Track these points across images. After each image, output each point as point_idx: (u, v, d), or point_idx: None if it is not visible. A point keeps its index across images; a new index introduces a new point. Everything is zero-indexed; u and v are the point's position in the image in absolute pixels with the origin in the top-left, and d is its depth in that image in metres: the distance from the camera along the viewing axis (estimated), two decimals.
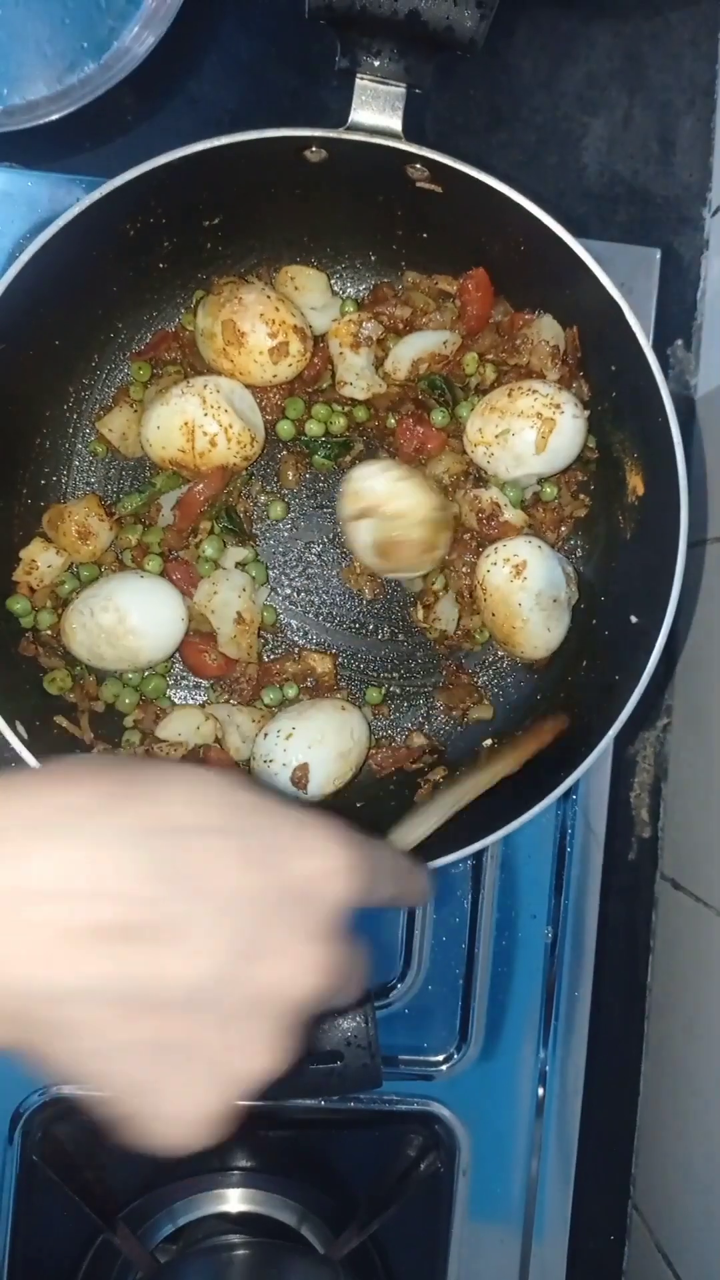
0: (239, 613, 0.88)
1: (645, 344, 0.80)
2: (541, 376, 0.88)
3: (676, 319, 1.01)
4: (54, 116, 0.87)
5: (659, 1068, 1.01)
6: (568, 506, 0.91)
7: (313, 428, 0.91)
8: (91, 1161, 0.92)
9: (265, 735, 0.86)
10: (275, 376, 0.88)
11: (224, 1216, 0.92)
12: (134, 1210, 0.92)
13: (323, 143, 0.79)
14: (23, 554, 0.87)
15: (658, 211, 1.00)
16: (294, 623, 0.93)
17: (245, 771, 0.88)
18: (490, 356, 0.91)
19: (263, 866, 0.48)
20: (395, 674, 0.94)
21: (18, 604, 0.87)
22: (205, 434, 0.85)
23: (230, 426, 0.85)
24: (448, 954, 0.97)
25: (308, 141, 0.79)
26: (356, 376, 0.90)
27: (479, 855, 0.95)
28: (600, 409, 0.88)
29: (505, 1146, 0.98)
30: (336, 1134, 0.97)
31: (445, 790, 0.82)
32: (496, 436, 0.86)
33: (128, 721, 0.89)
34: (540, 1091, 0.98)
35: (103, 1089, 0.48)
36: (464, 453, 0.90)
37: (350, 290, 0.93)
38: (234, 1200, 0.93)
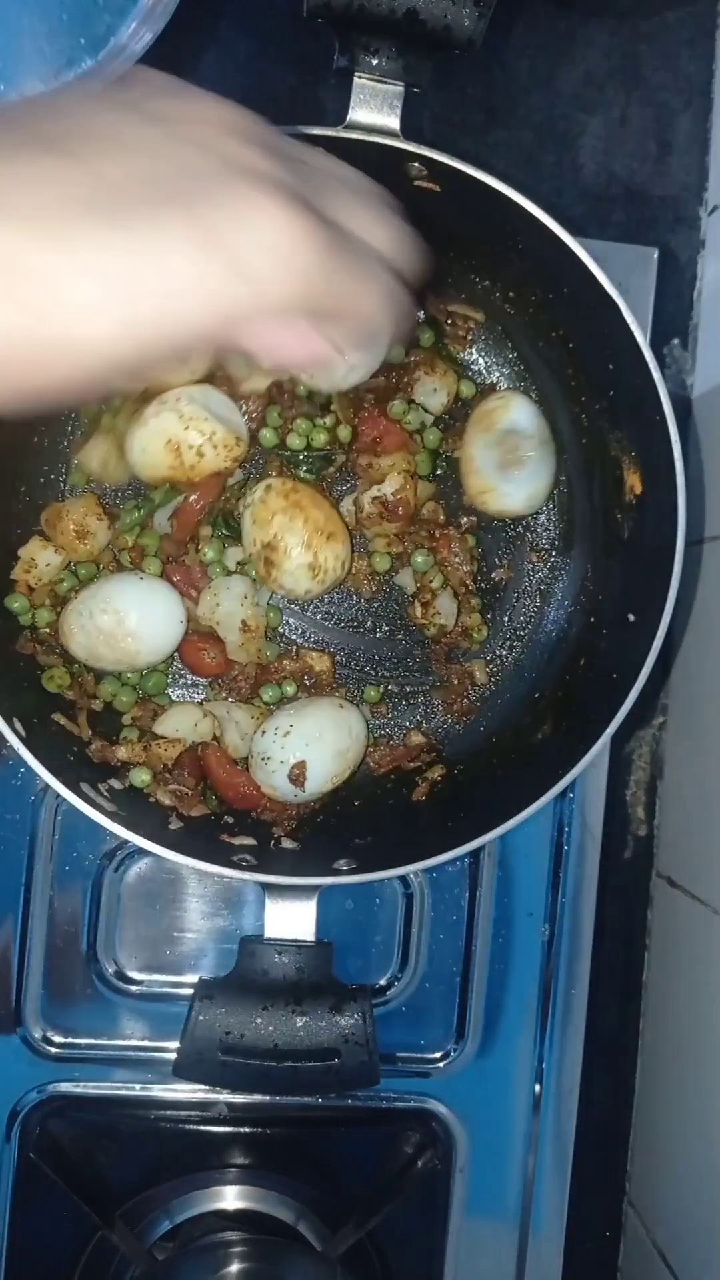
0: (244, 621, 0.88)
1: (643, 343, 0.80)
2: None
3: (673, 318, 1.01)
4: None
5: (654, 1065, 1.01)
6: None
7: (294, 441, 0.91)
8: (89, 1159, 0.92)
9: (263, 733, 0.86)
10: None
11: (221, 1214, 0.92)
12: (131, 1207, 0.92)
13: (321, 141, 0.79)
14: (21, 552, 0.87)
15: (654, 211, 1.01)
16: (292, 621, 0.94)
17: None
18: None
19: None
20: (393, 673, 0.94)
21: (15, 602, 0.87)
22: (191, 447, 0.85)
23: (213, 434, 0.85)
24: (445, 951, 0.97)
25: (306, 140, 0.79)
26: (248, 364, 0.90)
27: (476, 853, 0.96)
28: (597, 408, 0.88)
29: (502, 1143, 0.99)
30: (334, 1131, 0.97)
31: None
32: None
33: (126, 719, 0.89)
34: (537, 1088, 0.99)
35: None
36: (413, 475, 0.91)
37: None
38: (231, 1197, 0.93)
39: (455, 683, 0.93)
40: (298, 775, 0.85)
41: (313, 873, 0.80)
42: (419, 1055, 0.97)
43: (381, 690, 0.93)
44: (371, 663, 0.94)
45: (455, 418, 0.94)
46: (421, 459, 0.92)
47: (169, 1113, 0.93)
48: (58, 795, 0.79)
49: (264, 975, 0.78)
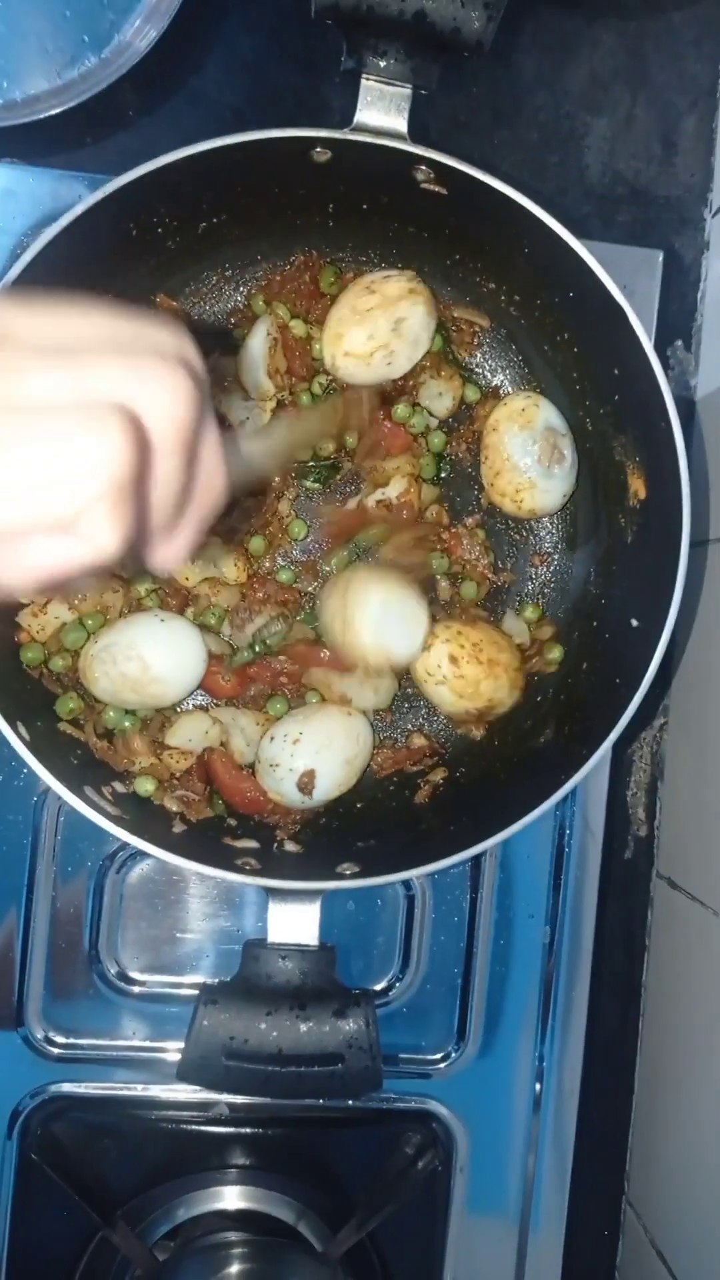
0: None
1: (648, 348, 0.79)
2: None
3: (677, 320, 1.01)
4: (55, 111, 0.86)
5: (654, 1065, 1.02)
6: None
7: (300, 452, 0.91)
8: (90, 1159, 0.93)
9: (271, 739, 0.86)
10: None
11: (222, 1214, 0.93)
12: (132, 1208, 0.92)
13: (328, 144, 0.79)
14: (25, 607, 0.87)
15: (659, 212, 1.00)
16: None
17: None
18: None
19: None
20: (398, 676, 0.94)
21: (30, 652, 0.86)
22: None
23: None
24: (446, 953, 0.97)
25: (313, 142, 0.79)
26: (246, 408, 0.91)
27: (478, 855, 0.96)
28: (602, 412, 0.88)
29: (502, 1144, 0.99)
30: (334, 1132, 0.97)
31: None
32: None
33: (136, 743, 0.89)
34: (537, 1088, 0.99)
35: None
36: (418, 478, 0.91)
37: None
38: (232, 1198, 0.93)
39: None
40: (306, 784, 0.85)
41: (316, 877, 0.80)
42: (420, 1056, 0.97)
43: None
44: None
45: (459, 421, 0.94)
46: (426, 462, 0.91)
47: (170, 1113, 0.94)
48: (60, 797, 0.78)
49: (268, 980, 0.78)
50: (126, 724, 0.88)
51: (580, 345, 0.87)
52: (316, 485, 0.92)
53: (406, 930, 0.97)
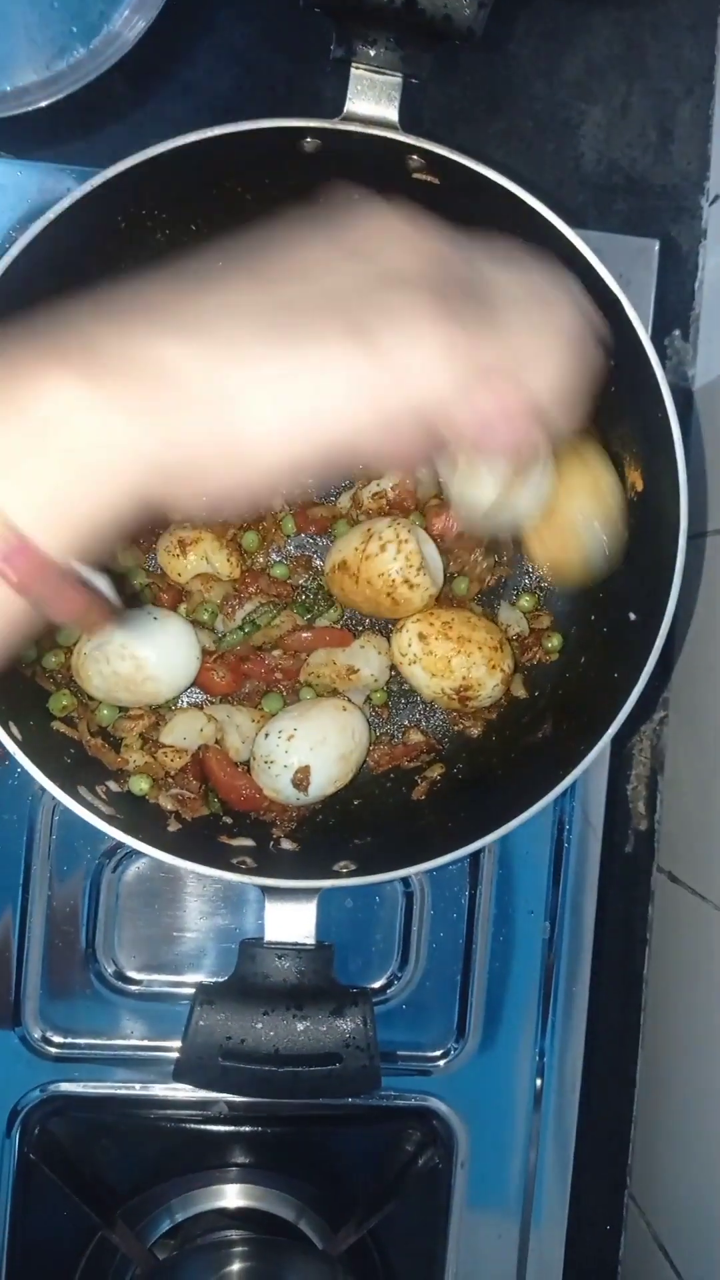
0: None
1: (645, 338, 0.79)
2: None
3: (674, 309, 1.00)
4: (43, 103, 0.85)
5: (655, 1059, 1.01)
6: None
7: None
8: (89, 1158, 0.92)
9: (266, 735, 0.86)
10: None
11: (222, 1212, 0.92)
12: (132, 1207, 0.92)
13: (318, 133, 0.78)
14: None
15: (656, 201, 0.99)
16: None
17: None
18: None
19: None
20: (394, 672, 0.93)
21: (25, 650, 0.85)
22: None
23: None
24: (445, 949, 0.97)
25: (303, 132, 0.78)
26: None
27: (477, 851, 0.95)
28: (597, 404, 0.86)
29: (503, 1139, 0.99)
30: (334, 1130, 0.97)
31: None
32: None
33: (128, 740, 0.89)
34: (538, 1084, 0.99)
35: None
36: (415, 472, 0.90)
37: None
38: (232, 1196, 0.93)
39: None
40: (301, 780, 0.84)
41: (312, 875, 0.79)
42: (419, 1053, 0.97)
43: (386, 691, 0.92)
44: None
45: None
46: None
47: (169, 1112, 0.93)
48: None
49: (264, 979, 0.77)
50: (123, 722, 0.87)
51: None
52: (309, 481, 0.91)
53: (405, 927, 0.97)
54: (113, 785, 0.84)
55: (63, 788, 0.77)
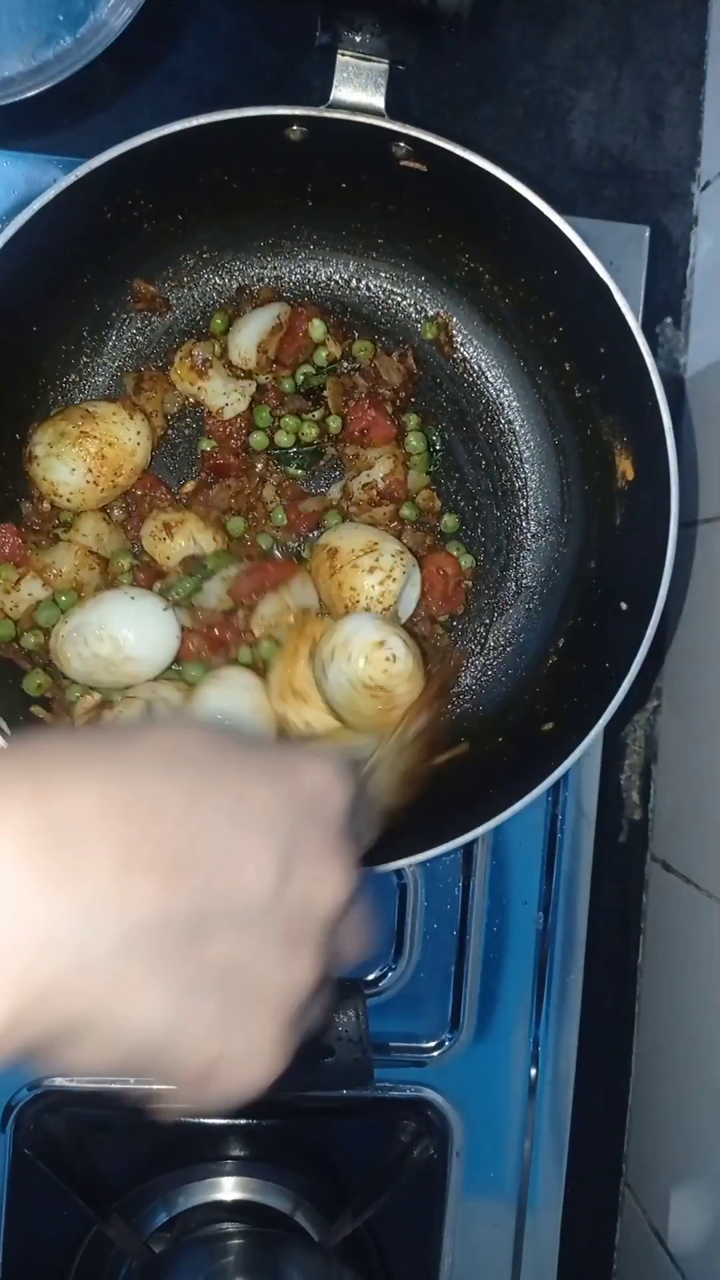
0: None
1: (635, 326, 0.78)
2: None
3: (666, 296, 0.99)
4: (29, 93, 0.84)
5: (650, 1048, 1.01)
6: None
7: (282, 439, 0.89)
8: (84, 1153, 0.92)
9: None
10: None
11: (218, 1205, 0.92)
12: (127, 1200, 0.92)
13: (303, 121, 0.77)
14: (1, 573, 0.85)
15: (646, 187, 0.99)
16: None
17: None
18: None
19: (283, 780, 0.49)
20: None
21: (3, 628, 0.85)
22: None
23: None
24: (439, 941, 0.97)
25: (288, 120, 0.77)
26: (225, 395, 0.88)
27: (470, 842, 0.95)
28: (589, 393, 0.86)
29: (498, 1129, 0.99)
30: (329, 1121, 0.97)
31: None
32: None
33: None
34: (533, 1073, 0.99)
35: (174, 1049, 0.46)
36: (405, 463, 0.90)
37: (324, 274, 0.91)
38: (228, 1188, 0.93)
39: None
40: None
41: None
42: (414, 1045, 0.97)
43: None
44: None
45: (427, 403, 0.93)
46: (416, 444, 0.90)
47: (163, 1105, 0.93)
48: None
49: None
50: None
51: (566, 324, 0.86)
52: (300, 472, 0.91)
53: (399, 919, 0.96)
54: None
55: None
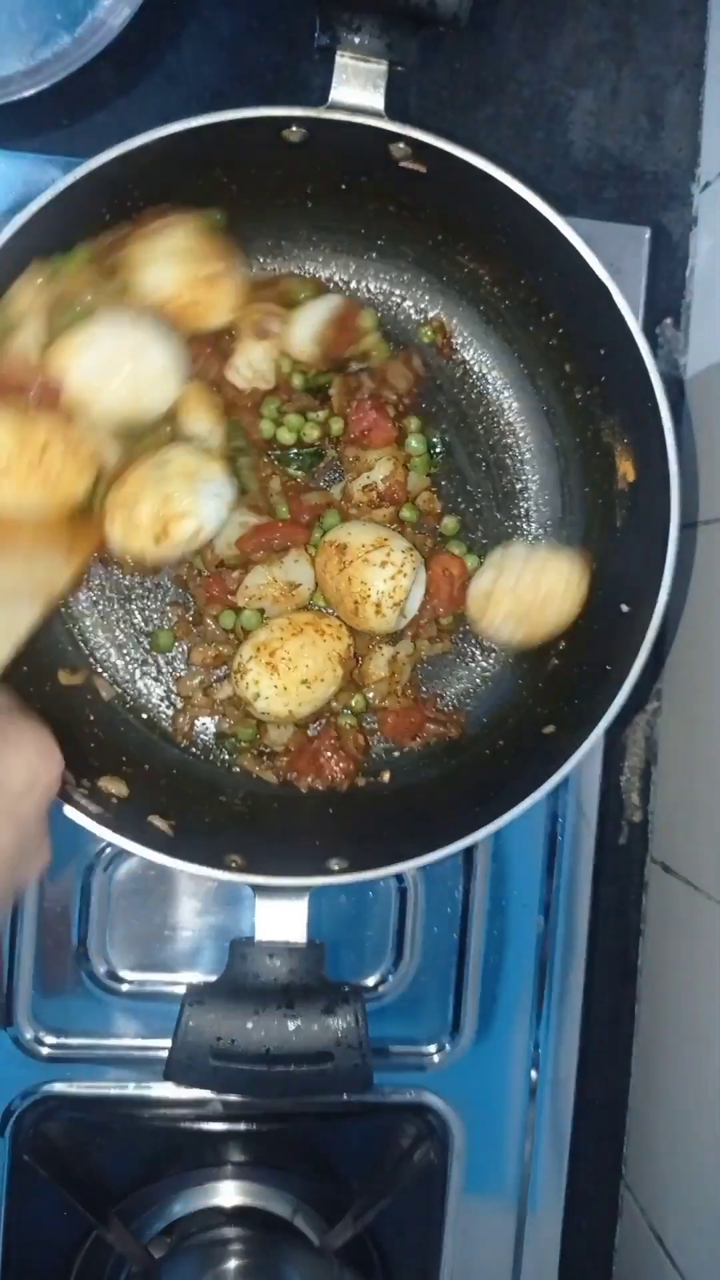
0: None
1: (635, 328, 0.78)
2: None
3: (665, 297, 0.99)
4: (28, 93, 0.85)
5: (650, 1049, 1.01)
6: None
7: (284, 435, 0.89)
8: (83, 1158, 0.92)
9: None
10: None
11: (218, 1210, 0.92)
12: (127, 1205, 0.92)
13: (302, 122, 0.77)
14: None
15: (646, 187, 0.98)
16: None
17: None
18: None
19: None
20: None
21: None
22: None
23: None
24: (439, 944, 0.97)
25: (287, 121, 0.77)
26: (248, 366, 0.87)
27: (470, 846, 0.95)
28: (589, 394, 0.86)
29: (499, 1130, 0.99)
30: (330, 1125, 0.97)
31: None
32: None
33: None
34: (533, 1075, 0.98)
35: None
36: (405, 465, 0.90)
37: (323, 275, 0.91)
38: (228, 1193, 0.93)
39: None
40: None
41: (304, 873, 0.79)
42: (414, 1048, 0.97)
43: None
44: None
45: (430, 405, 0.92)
46: (416, 446, 0.90)
47: (163, 1111, 0.93)
48: None
49: (255, 978, 0.77)
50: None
51: (566, 325, 0.86)
52: (300, 473, 0.90)
53: (399, 922, 0.96)
54: (103, 783, 0.84)
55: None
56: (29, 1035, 0.92)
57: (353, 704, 0.90)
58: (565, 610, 0.87)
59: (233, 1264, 0.87)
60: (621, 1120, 1.04)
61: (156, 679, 0.91)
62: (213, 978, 0.81)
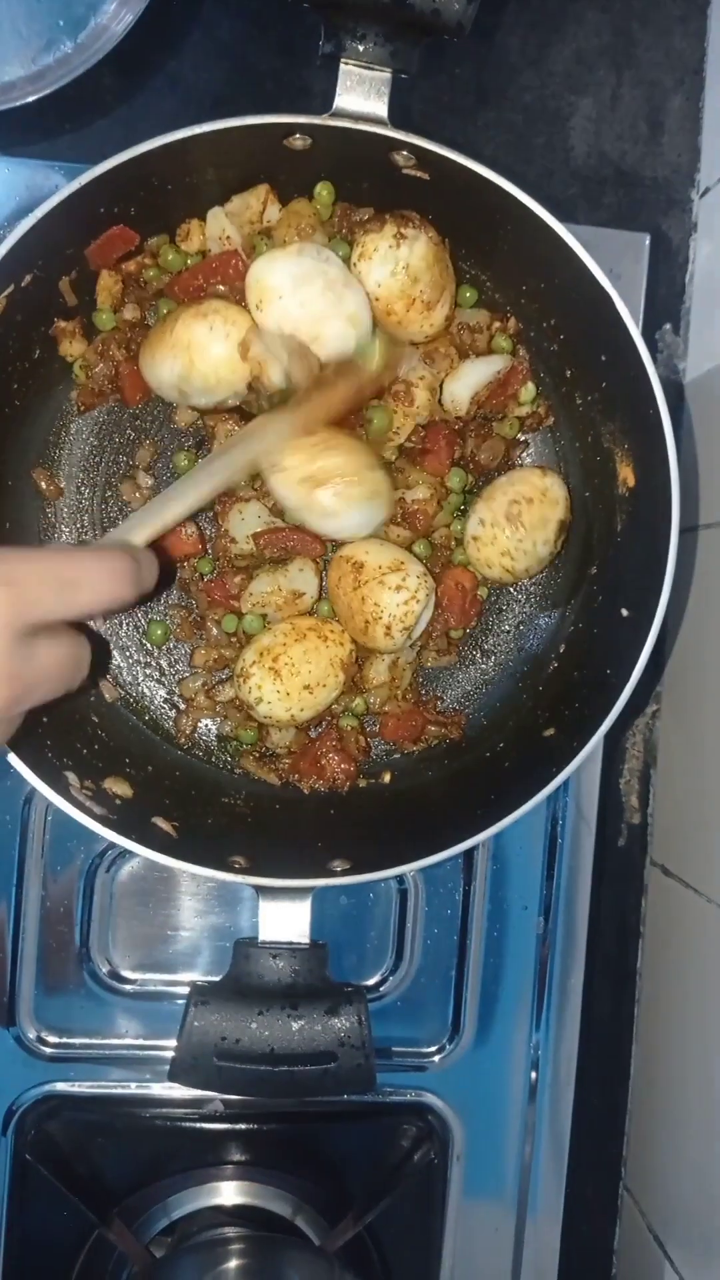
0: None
1: (635, 333, 0.78)
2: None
3: (665, 302, 0.99)
4: (31, 99, 0.85)
5: (650, 1051, 1.02)
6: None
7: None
8: (85, 1157, 0.92)
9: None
10: None
11: (219, 1209, 0.93)
12: (128, 1205, 0.92)
13: (306, 130, 0.77)
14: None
15: (646, 193, 0.99)
16: None
17: None
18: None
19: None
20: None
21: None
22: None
23: None
24: (440, 946, 0.97)
25: (291, 128, 0.77)
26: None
27: (471, 848, 0.95)
28: (590, 399, 0.87)
29: (499, 1132, 0.99)
30: (331, 1126, 0.97)
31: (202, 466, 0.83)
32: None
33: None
34: (533, 1077, 0.99)
35: None
36: (439, 501, 0.90)
37: None
38: (229, 1193, 0.93)
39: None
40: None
41: (307, 874, 0.79)
42: (415, 1049, 0.97)
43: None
44: None
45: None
46: (455, 478, 0.90)
47: (165, 1110, 0.93)
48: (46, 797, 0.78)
49: (259, 979, 0.77)
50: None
51: (567, 331, 0.86)
52: None
53: (400, 924, 0.97)
54: (107, 784, 0.84)
55: (54, 787, 0.77)
56: (31, 1035, 0.93)
57: (354, 706, 0.91)
58: (551, 516, 0.88)
59: (234, 1264, 0.87)
60: (621, 1122, 1.05)
61: (159, 681, 0.91)
62: (214, 978, 0.81)
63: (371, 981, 0.97)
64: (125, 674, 0.91)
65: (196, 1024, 0.75)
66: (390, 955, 0.97)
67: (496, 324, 0.89)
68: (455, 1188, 0.97)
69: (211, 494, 0.81)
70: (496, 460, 0.90)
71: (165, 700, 0.91)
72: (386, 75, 0.77)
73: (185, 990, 0.78)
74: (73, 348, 0.86)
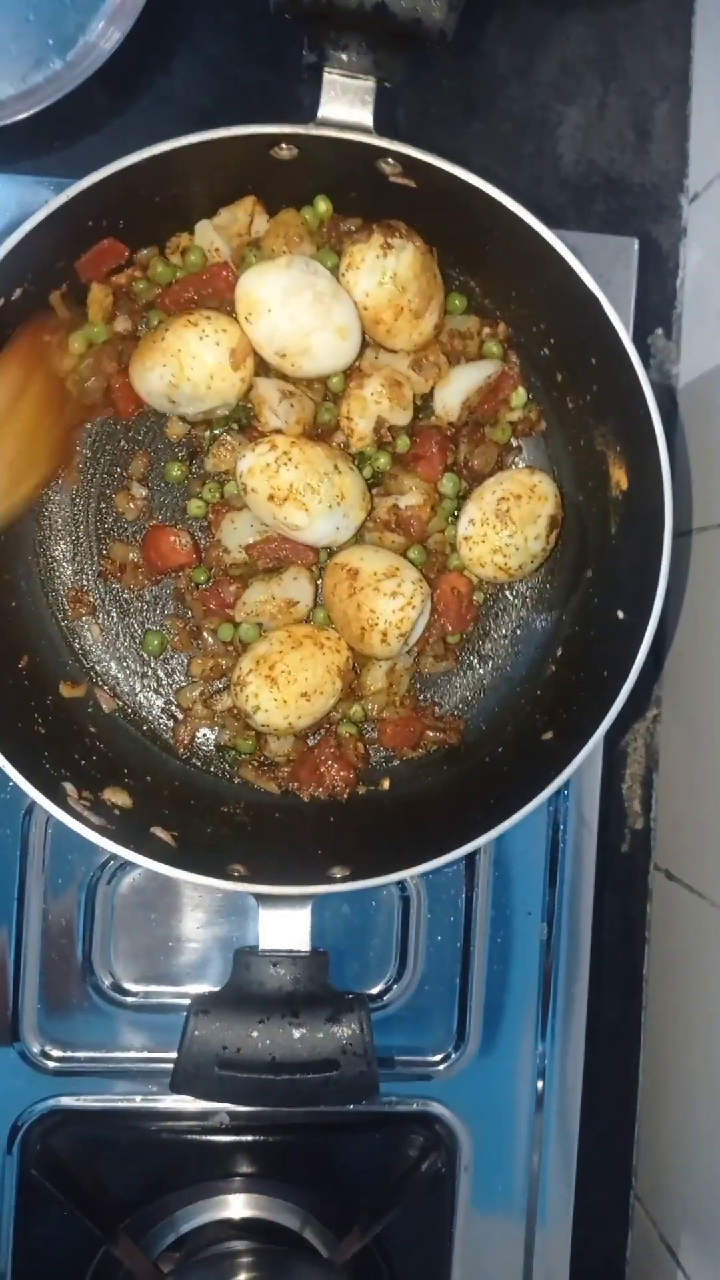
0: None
1: (625, 338, 0.79)
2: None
3: (656, 308, 1.00)
4: (21, 116, 0.85)
5: (658, 1057, 1.01)
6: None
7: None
8: (91, 1172, 0.92)
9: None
10: None
11: (226, 1223, 0.92)
12: (135, 1220, 0.91)
13: (291, 139, 0.78)
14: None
15: (635, 200, 0.99)
16: None
17: None
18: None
19: None
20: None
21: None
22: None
23: None
24: (443, 953, 0.97)
25: (276, 139, 0.78)
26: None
27: (472, 854, 0.95)
28: (581, 404, 0.87)
29: (507, 1141, 0.98)
30: (337, 1137, 0.97)
31: None
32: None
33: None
34: (540, 1085, 0.98)
35: None
36: (433, 506, 0.91)
37: None
38: (236, 1206, 0.93)
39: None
40: None
41: (307, 881, 0.79)
42: (420, 1058, 0.97)
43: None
44: None
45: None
46: (449, 483, 0.90)
47: (170, 1123, 0.93)
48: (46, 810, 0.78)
49: (260, 987, 0.77)
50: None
51: (557, 335, 0.87)
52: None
53: (402, 932, 0.96)
54: (106, 795, 0.84)
55: (51, 798, 0.77)
56: (35, 1049, 0.92)
57: (352, 713, 0.91)
58: (541, 512, 0.88)
59: (242, 1277, 0.86)
60: (630, 1129, 1.04)
61: (157, 691, 0.91)
62: (218, 989, 0.81)
63: (375, 990, 0.96)
64: (123, 684, 0.91)
65: (197, 1033, 0.75)
66: (393, 963, 0.97)
67: (486, 329, 0.90)
68: (463, 1198, 0.97)
69: None
70: (489, 465, 0.91)
71: (163, 710, 0.92)
72: (370, 84, 0.78)
73: (188, 1002, 0.78)
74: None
